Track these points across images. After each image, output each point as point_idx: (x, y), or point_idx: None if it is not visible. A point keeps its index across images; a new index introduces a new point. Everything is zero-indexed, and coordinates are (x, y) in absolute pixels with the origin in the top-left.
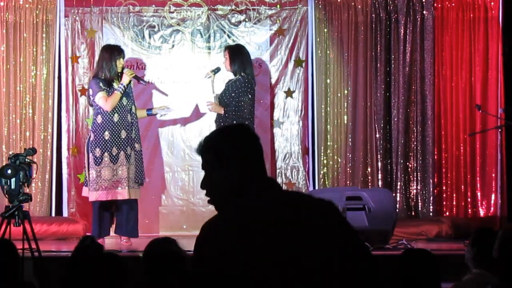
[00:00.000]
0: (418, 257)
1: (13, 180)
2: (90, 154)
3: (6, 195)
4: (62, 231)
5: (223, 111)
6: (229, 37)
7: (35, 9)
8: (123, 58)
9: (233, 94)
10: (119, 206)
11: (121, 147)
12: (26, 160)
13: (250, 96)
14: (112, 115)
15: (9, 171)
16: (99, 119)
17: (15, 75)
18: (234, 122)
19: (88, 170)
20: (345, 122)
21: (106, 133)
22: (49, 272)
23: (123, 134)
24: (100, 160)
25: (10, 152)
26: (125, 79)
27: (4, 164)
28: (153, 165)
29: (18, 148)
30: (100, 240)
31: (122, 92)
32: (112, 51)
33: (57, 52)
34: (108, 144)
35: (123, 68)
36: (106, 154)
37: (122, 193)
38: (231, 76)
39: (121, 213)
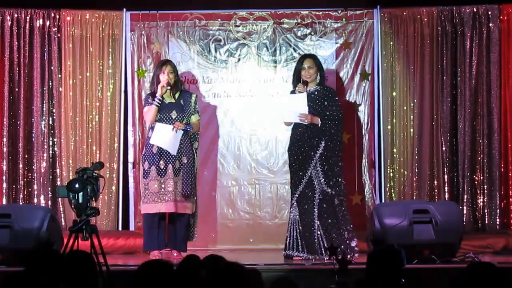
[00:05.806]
0: (483, 270)
1: (80, 194)
2: (141, 167)
3: (74, 209)
4: (129, 245)
5: (319, 121)
6: (295, 50)
7: (102, 23)
8: (172, 71)
9: (327, 104)
10: (171, 219)
11: (169, 160)
12: (94, 174)
13: (339, 103)
14: None
15: (77, 185)
16: (150, 133)
17: (81, 90)
18: (333, 131)
19: (140, 184)
20: (411, 135)
21: (155, 146)
22: (116, 286)
23: None
24: (147, 173)
25: (78, 167)
26: (158, 92)
27: (72, 178)
28: (219, 178)
29: (84, 162)
30: (155, 253)
31: (158, 105)
32: (156, 66)
33: (123, 66)
34: (156, 158)
35: (176, 82)
36: (153, 167)
37: (169, 207)
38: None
39: (172, 226)
